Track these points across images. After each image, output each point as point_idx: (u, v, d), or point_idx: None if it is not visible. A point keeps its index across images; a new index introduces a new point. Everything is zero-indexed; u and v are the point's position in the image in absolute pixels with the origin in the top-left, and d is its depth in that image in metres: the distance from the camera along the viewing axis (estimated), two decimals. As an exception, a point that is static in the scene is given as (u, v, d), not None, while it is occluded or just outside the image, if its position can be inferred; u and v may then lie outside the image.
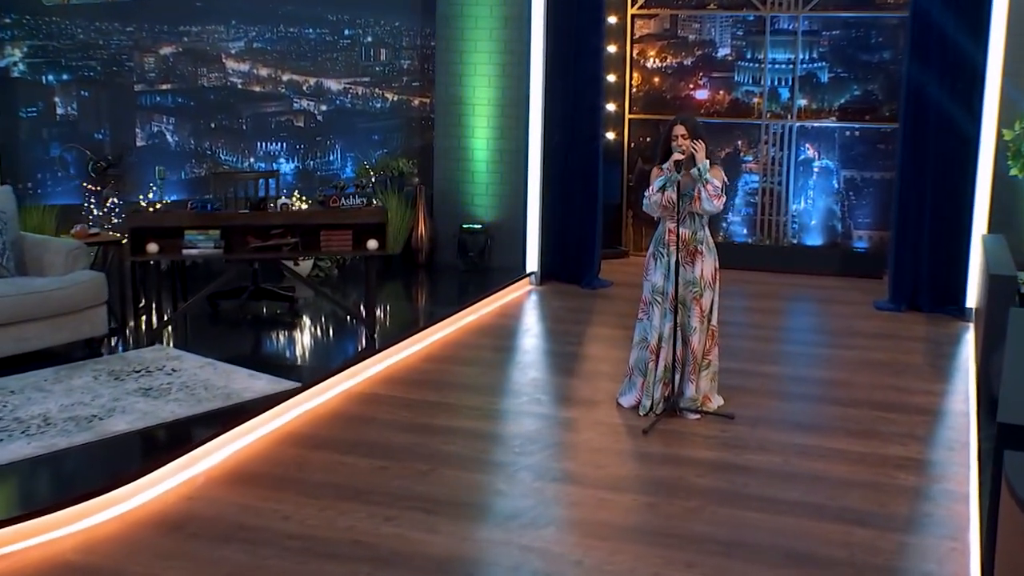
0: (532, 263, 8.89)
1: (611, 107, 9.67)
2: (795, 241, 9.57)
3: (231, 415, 5.51)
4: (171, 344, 6.88)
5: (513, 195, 8.98)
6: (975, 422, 5.66)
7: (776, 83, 9.51)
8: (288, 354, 7.04)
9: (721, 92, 9.67)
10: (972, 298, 7.85)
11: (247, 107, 8.87)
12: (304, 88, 9.10)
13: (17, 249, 6.56)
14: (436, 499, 4.77)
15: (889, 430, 5.65)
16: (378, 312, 7.44)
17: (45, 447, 5.04)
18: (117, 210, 7.80)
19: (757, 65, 9.51)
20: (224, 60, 8.76)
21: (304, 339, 7.33)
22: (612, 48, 9.59)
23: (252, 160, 8.88)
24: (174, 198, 8.21)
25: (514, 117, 8.92)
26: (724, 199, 5.73)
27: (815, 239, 9.52)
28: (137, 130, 8.48)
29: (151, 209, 7.51)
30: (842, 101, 9.41)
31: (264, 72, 8.90)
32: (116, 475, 4.75)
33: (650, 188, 5.79)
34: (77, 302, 6.37)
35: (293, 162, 9.05)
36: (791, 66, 9.42)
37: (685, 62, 9.78)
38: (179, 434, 5.33)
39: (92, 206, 7.83)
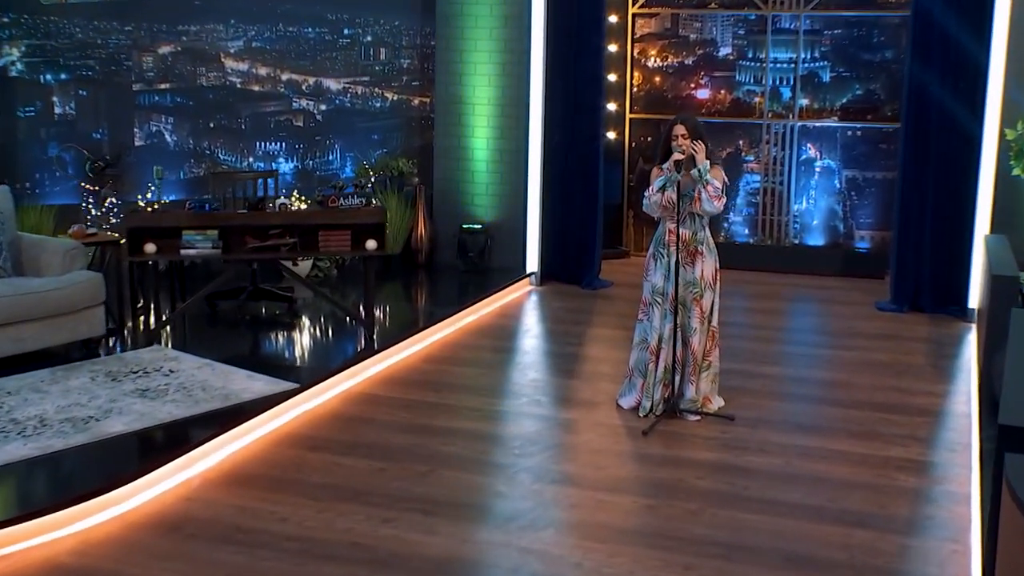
0: (532, 263, 8.86)
1: (612, 106, 9.64)
2: (797, 241, 9.53)
3: (229, 416, 5.49)
4: (169, 345, 6.85)
5: (513, 195, 8.96)
6: (977, 423, 5.63)
7: (778, 82, 9.47)
8: (287, 355, 7.02)
9: (722, 91, 9.64)
10: (974, 299, 7.82)
11: (246, 107, 8.84)
12: (303, 87, 9.08)
13: (14, 249, 6.54)
14: (435, 501, 4.75)
15: (890, 431, 5.62)
16: (377, 312, 7.41)
17: (41, 448, 5.02)
18: (115, 210, 7.78)
19: (759, 64, 9.48)
20: (223, 59, 8.74)
21: (303, 340, 7.31)
22: (613, 47, 9.56)
23: (251, 160, 8.86)
24: (172, 198, 8.19)
25: (514, 117, 8.89)
26: (724, 200, 5.70)
27: (817, 239, 9.48)
28: (135, 130, 8.46)
29: (149, 209, 7.49)
30: (844, 101, 9.37)
31: (263, 71, 8.88)
32: (112, 476, 4.72)
33: (650, 188, 5.76)
34: (74, 302, 6.35)
35: (292, 162, 9.03)
36: (793, 65, 9.39)
37: (686, 61, 9.74)
38: (176, 435, 5.31)
39: (90, 206, 7.80)
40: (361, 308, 7.32)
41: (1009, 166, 7.35)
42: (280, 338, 7.33)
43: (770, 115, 9.48)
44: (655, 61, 9.82)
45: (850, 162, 9.38)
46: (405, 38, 9.45)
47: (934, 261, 8.00)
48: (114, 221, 7.74)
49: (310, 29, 9.05)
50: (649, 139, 9.72)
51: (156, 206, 7.68)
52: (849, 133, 9.37)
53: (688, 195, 5.67)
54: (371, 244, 6.85)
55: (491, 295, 8.24)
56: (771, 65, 9.43)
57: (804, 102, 9.43)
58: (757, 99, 9.52)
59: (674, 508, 4.70)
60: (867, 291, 8.65)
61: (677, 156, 5.59)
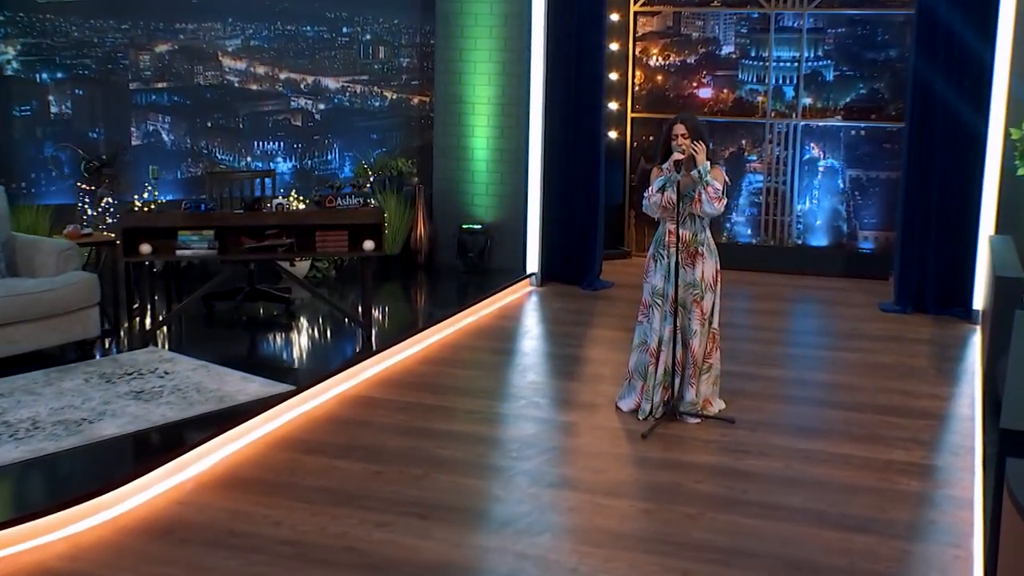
0: (532, 264, 8.81)
1: (613, 106, 9.58)
2: (800, 242, 9.47)
3: (223, 418, 5.44)
4: (166, 346, 6.80)
5: (513, 195, 8.90)
6: (980, 427, 5.58)
7: (781, 81, 9.41)
8: (283, 356, 6.98)
9: (725, 90, 9.58)
10: (979, 300, 7.76)
11: (244, 106, 8.80)
12: (302, 86, 9.03)
13: (8, 249, 6.50)
14: (430, 504, 4.71)
15: (893, 435, 5.57)
16: (376, 313, 7.37)
17: (33, 451, 4.98)
18: (112, 210, 7.73)
19: (761, 63, 9.42)
20: (220, 58, 8.69)
21: (300, 341, 7.26)
22: (614, 46, 9.50)
23: (249, 159, 8.81)
24: (170, 198, 8.15)
25: (514, 116, 8.84)
26: (725, 201, 5.64)
27: (820, 240, 9.42)
28: (132, 129, 8.42)
29: (145, 209, 7.45)
30: (848, 100, 9.31)
31: (261, 70, 8.83)
32: (105, 480, 4.68)
33: (650, 188, 5.71)
34: (69, 303, 6.31)
35: (291, 161, 8.98)
36: (796, 64, 9.33)
37: (688, 60, 9.68)
38: (170, 438, 5.26)
39: (86, 206, 7.75)
40: (359, 309, 7.26)
41: (1014, 165, 7.30)
42: (277, 339, 7.28)
43: (773, 114, 9.42)
44: (657, 60, 9.76)
45: (854, 162, 9.32)
46: (404, 36, 9.40)
47: (938, 262, 7.94)
48: (110, 221, 7.69)
49: (309, 27, 9.00)
50: (651, 138, 9.66)
51: (152, 206, 7.64)
52: (853, 132, 9.31)
53: (688, 195, 5.62)
54: (369, 245, 6.80)
55: (491, 296, 8.19)
56: (774, 64, 9.37)
57: (807, 101, 9.36)
58: (760, 98, 9.46)
59: (672, 512, 4.65)
60: (871, 292, 8.59)
61: (677, 156, 5.54)
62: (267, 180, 7.83)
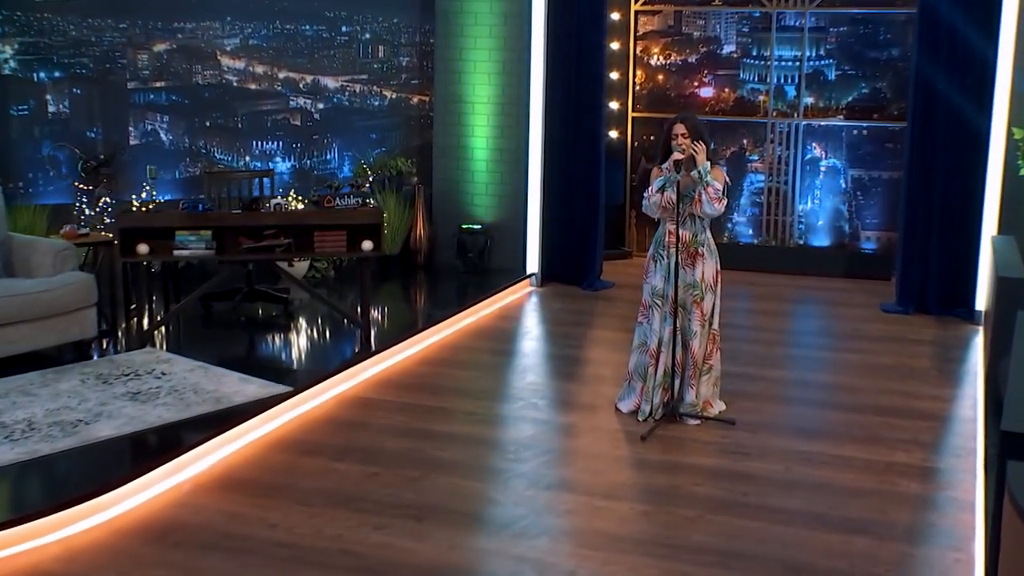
0: (532, 264, 8.77)
1: (614, 105, 9.55)
2: (801, 242, 9.44)
3: (221, 420, 5.42)
4: (164, 347, 6.78)
5: (513, 195, 8.87)
6: (982, 428, 5.54)
7: (782, 81, 9.37)
8: (282, 357, 6.96)
9: (726, 90, 9.54)
10: (981, 301, 7.72)
11: (242, 105, 8.77)
12: (301, 86, 9.00)
13: (5, 250, 6.48)
14: (427, 507, 4.68)
15: (894, 436, 5.54)
16: (375, 314, 7.34)
17: (28, 453, 4.95)
18: (109, 210, 7.70)
19: (763, 62, 9.39)
20: (219, 57, 8.66)
21: (298, 342, 7.23)
22: (615, 45, 9.47)
23: (248, 159, 8.79)
24: (168, 197, 8.12)
25: (514, 115, 8.81)
26: (725, 202, 5.61)
27: (822, 240, 9.38)
28: (130, 128, 8.39)
29: (143, 209, 7.42)
30: (850, 99, 9.28)
31: (260, 69, 8.80)
32: (100, 482, 4.66)
33: (649, 188, 5.68)
34: (66, 304, 6.28)
35: (290, 161, 8.95)
36: (798, 63, 9.29)
37: (690, 59, 9.65)
38: (166, 439, 5.24)
39: (84, 206, 7.72)
40: (357, 310, 7.22)
41: (1017, 165, 7.27)
42: (275, 340, 7.26)
43: (775, 114, 9.38)
44: (658, 59, 9.72)
45: (856, 161, 9.28)
46: (404, 35, 9.36)
47: (940, 262, 7.90)
48: (108, 221, 7.66)
49: (308, 26, 8.97)
50: (652, 138, 9.62)
51: (150, 206, 7.62)
52: (855, 132, 9.27)
53: (688, 196, 5.58)
54: (367, 245, 6.77)
55: (490, 296, 8.16)
56: (776, 63, 9.33)
57: (809, 100, 9.32)
58: (761, 97, 9.42)
59: (671, 515, 4.62)
60: (873, 293, 8.55)
61: (677, 156, 5.51)
62: (266, 180, 7.79)
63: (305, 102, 9.02)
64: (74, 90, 8.18)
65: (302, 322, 7.55)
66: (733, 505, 4.71)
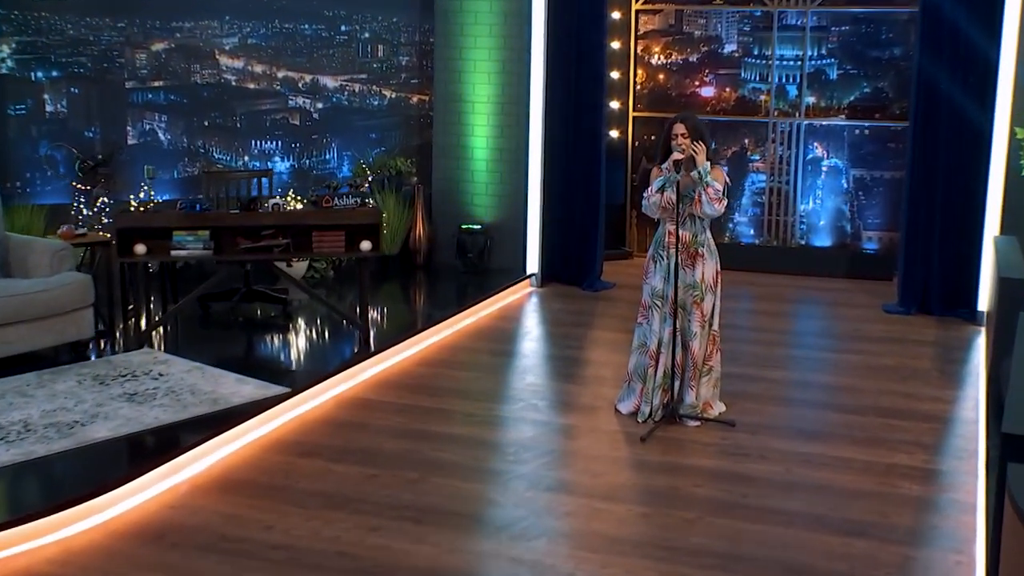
0: (532, 264, 8.74)
1: (615, 104, 9.51)
2: (803, 242, 9.40)
3: (218, 421, 5.39)
4: (161, 348, 6.75)
5: (513, 195, 8.84)
6: (984, 430, 5.51)
7: (784, 80, 9.34)
8: (280, 358, 6.93)
9: (727, 89, 9.51)
10: (984, 301, 7.69)
11: (241, 104, 8.74)
12: (300, 85, 8.97)
13: (2, 250, 6.47)
14: (425, 509, 4.66)
15: (895, 438, 5.51)
16: (374, 314, 7.32)
17: (24, 454, 4.93)
18: (107, 210, 7.68)
19: (764, 62, 9.36)
20: (218, 56, 8.64)
21: (296, 342, 7.21)
22: (616, 44, 9.43)
23: (246, 159, 8.76)
24: (166, 197, 8.10)
25: (514, 115, 8.78)
26: (725, 202, 5.58)
27: (824, 240, 9.35)
28: (128, 128, 8.37)
29: (141, 209, 7.40)
30: (851, 98, 9.24)
31: (259, 69, 8.78)
32: (96, 483, 4.64)
33: (649, 188, 5.66)
34: (63, 304, 6.25)
35: (289, 161, 8.92)
36: (799, 63, 9.26)
37: (691, 58, 9.62)
38: (163, 441, 5.22)
39: (81, 206, 7.70)
40: (356, 310, 7.20)
41: (1020, 165, 7.24)
42: (273, 341, 7.23)
43: (776, 113, 9.35)
44: (659, 58, 9.69)
45: (858, 161, 9.24)
46: (403, 35, 9.34)
47: (942, 263, 7.87)
48: (106, 221, 7.64)
49: (307, 25, 8.94)
50: (653, 138, 9.59)
51: (148, 206, 7.59)
52: (857, 132, 9.24)
53: (688, 196, 5.55)
54: (366, 245, 6.74)
55: (490, 297, 8.13)
56: (777, 62, 9.30)
57: (811, 100, 9.29)
58: (763, 97, 9.39)
59: (671, 517, 4.60)
60: (874, 293, 8.52)
61: (676, 156, 5.49)
62: (264, 180, 7.77)
63: (304, 101, 9.00)
64: (72, 89, 8.16)
65: (300, 323, 7.52)
66: (733, 507, 4.69)
